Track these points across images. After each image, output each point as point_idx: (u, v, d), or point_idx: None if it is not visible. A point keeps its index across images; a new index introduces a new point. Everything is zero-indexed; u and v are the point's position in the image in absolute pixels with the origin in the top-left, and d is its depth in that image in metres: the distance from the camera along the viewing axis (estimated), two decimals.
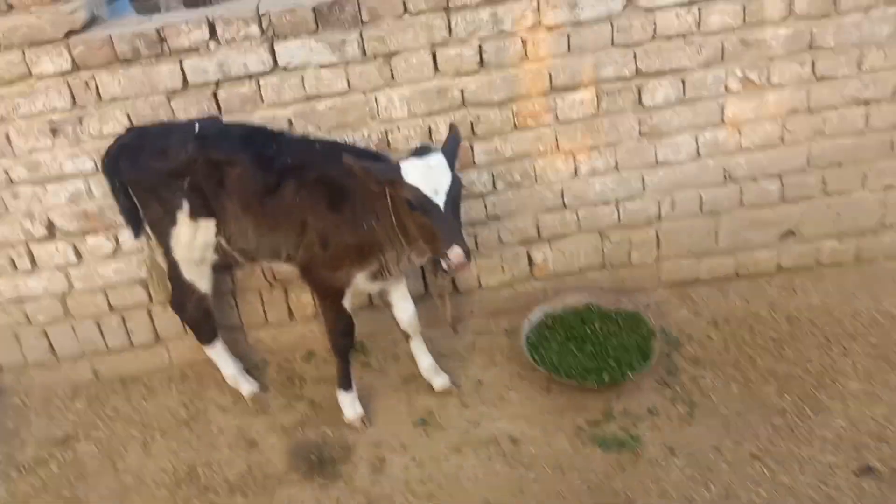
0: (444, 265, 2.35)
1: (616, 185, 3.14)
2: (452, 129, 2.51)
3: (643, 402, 2.81)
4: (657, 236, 3.27)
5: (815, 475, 2.40)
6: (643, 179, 3.14)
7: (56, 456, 2.98)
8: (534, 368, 2.98)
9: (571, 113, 2.98)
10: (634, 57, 2.88)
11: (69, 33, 2.74)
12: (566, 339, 3.08)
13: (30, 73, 2.78)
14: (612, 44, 2.86)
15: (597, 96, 2.95)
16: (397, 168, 2.36)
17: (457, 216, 2.39)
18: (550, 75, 2.90)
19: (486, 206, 3.17)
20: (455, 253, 2.28)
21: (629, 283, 3.34)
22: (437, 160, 2.36)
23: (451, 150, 2.43)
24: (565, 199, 3.17)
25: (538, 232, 3.24)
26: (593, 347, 3.01)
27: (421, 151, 2.44)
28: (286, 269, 2.75)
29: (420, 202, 2.32)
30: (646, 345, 2.96)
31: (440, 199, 2.32)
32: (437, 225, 2.32)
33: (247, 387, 3.08)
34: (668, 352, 3.01)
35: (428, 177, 2.33)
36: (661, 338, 2.97)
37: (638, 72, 2.91)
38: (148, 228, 2.74)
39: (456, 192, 2.37)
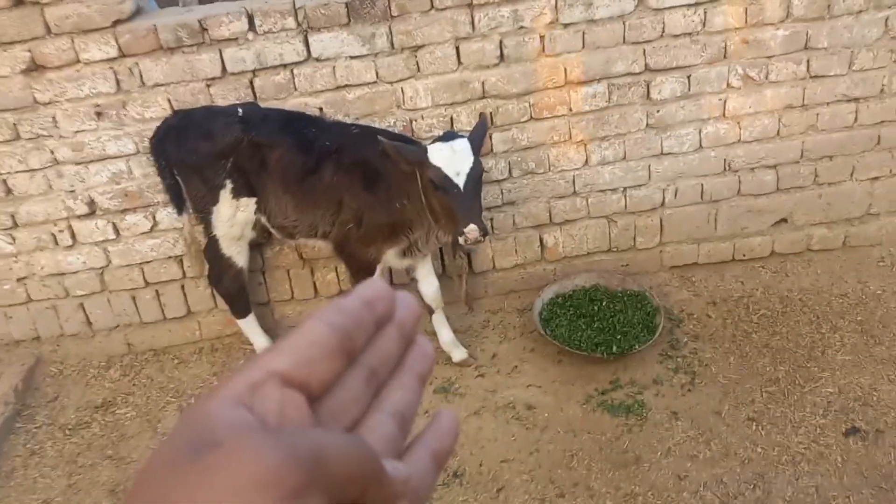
0: (461, 241, 2.56)
1: (624, 174, 3.37)
2: (482, 117, 2.72)
3: (648, 373, 3.04)
4: (661, 222, 3.49)
5: (807, 435, 2.64)
6: (649, 169, 3.36)
7: (97, 419, 3.16)
8: (545, 343, 3.20)
9: (584, 105, 3.20)
10: (644, 54, 3.10)
11: (116, 22, 2.91)
12: (576, 316, 3.29)
13: (78, 59, 2.95)
14: (624, 41, 3.07)
15: (608, 90, 3.17)
16: (424, 150, 2.57)
17: (476, 197, 2.60)
18: (565, 70, 3.12)
19: (501, 192, 3.38)
20: (471, 229, 2.49)
21: (634, 266, 3.57)
22: (462, 145, 2.57)
23: (478, 136, 2.64)
24: (576, 187, 3.39)
25: (550, 217, 3.45)
26: (601, 323, 3.22)
27: (447, 136, 2.65)
28: (321, 245, 2.95)
29: (442, 182, 2.53)
30: (650, 321, 3.18)
31: (461, 181, 2.53)
32: (456, 204, 2.53)
33: None
34: (670, 328, 3.24)
35: (451, 159, 2.54)
36: (663, 315, 3.20)
37: (647, 68, 3.13)
38: (190, 206, 2.93)
39: (477, 175, 2.58)
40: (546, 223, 3.46)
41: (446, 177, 2.52)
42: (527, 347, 3.29)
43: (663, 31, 3.06)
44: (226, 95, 3.04)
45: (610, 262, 3.56)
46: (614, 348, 3.05)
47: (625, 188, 3.40)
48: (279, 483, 0.28)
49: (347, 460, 0.31)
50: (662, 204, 3.45)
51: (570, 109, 3.20)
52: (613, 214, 3.46)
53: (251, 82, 3.04)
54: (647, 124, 3.26)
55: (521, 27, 3.03)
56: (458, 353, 3.19)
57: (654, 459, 2.67)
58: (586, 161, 3.33)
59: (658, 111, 3.23)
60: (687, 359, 3.08)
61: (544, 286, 3.45)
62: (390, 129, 3.06)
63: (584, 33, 3.05)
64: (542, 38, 3.06)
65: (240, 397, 0.34)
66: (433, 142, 2.67)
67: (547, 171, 3.34)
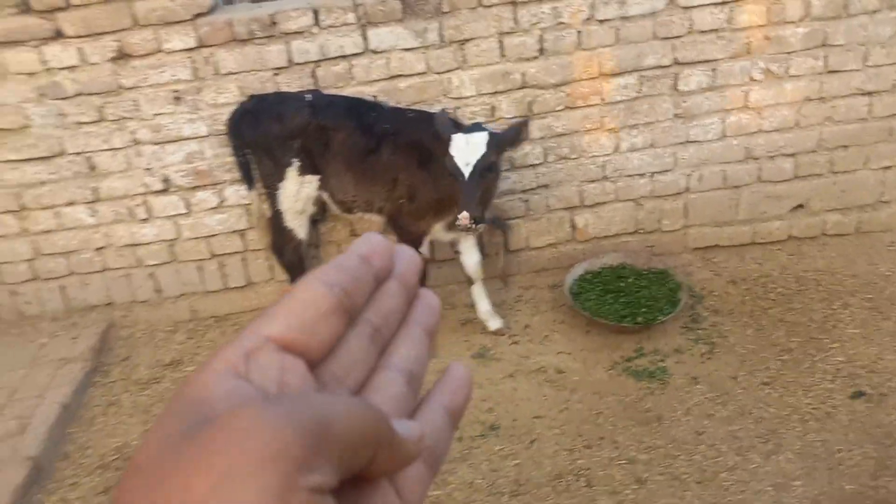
0: (457, 224, 2.82)
1: (651, 160, 3.63)
2: (523, 125, 2.88)
3: (670, 343, 3.30)
4: (685, 206, 3.75)
5: (817, 398, 2.89)
6: (675, 155, 3.62)
7: (167, 375, 3.49)
8: (575, 315, 3.48)
9: (616, 95, 3.47)
10: (672, 48, 3.37)
11: (197, 15, 3.25)
12: (604, 291, 3.56)
13: (160, 49, 3.29)
14: (654, 36, 3.34)
15: (638, 82, 3.44)
16: (450, 138, 2.84)
17: (476, 188, 2.78)
18: (599, 62, 3.39)
19: (537, 176, 3.66)
20: (462, 216, 2.75)
21: (659, 248, 3.83)
22: (478, 138, 2.78)
23: (505, 136, 2.84)
24: (606, 171, 3.66)
25: (581, 199, 3.73)
26: (627, 298, 3.49)
27: (472, 128, 2.89)
28: (376, 219, 3.26)
29: (451, 169, 2.80)
30: (673, 296, 3.44)
31: (467, 171, 2.78)
32: (459, 191, 2.80)
33: None
34: (692, 304, 3.50)
35: (464, 150, 2.79)
36: (686, 290, 3.46)
37: (675, 61, 3.40)
38: (260, 182, 3.25)
39: (482, 168, 2.77)
40: (577, 205, 3.74)
41: (455, 165, 2.78)
42: (557, 320, 3.57)
43: (691, 28, 3.33)
44: (290, 83, 3.36)
45: (636, 244, 3.83)
46: (639, 319, 3.32)
47: (652, 173, 3.67)
48: (284, 456, 0.26)
49: (354, 424, 0.30)
50: (687, 189, 3.71)
51: (603, 99, 3.48)
52: (640, 198, 3.73)
53: (314, 72, 3.35)
54: (674, 114, 3.52)
55: (560, 23, 3.31)
56: (495, 323, 3.48)
57: (674, 418, 2.94)
58: (616, 147, 3.60)
59: (685, 102, 3.49)
60: (707, 331, 3.34)
61: (574, 264, 3.72)
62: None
63: (617, 29, 3.33)
64: (578, 33, 3.33)
65: (234, 367, 0.32)
66: (461, 130, 2.91)
67: (579, 156, 3.62)
